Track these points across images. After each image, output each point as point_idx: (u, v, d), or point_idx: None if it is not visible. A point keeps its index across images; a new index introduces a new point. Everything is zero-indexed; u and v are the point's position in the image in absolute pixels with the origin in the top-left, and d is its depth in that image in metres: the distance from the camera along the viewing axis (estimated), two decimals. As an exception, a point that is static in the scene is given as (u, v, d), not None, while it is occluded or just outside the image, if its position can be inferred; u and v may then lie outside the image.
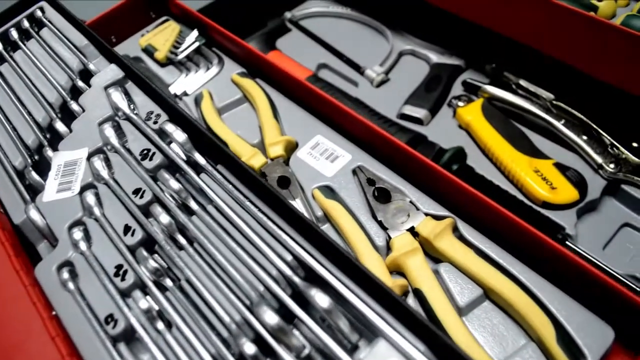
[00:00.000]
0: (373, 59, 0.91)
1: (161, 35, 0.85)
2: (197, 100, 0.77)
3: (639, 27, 0.70)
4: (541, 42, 0.74)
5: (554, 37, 0.72)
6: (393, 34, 0.94)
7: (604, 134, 0.75)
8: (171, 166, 0.56)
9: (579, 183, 0.71)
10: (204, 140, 0.55)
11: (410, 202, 0.61)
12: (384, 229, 0.60)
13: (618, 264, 0.65)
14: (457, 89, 0.85)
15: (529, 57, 0.76)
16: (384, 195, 0.63)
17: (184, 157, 0.56)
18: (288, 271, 0.46)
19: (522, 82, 0.82)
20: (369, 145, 0.68)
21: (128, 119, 0.61)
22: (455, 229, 0.59)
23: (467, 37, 0.86)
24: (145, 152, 0.57)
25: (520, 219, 0.72)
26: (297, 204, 0.63)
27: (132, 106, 0.63)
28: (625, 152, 0.73)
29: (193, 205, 0.52)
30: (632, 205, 0.71)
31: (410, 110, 0.82)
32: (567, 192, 0.70)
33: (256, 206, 0.50)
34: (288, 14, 1.01)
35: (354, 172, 0.66)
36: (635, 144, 0.74)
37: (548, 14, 0.70)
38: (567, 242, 0.67)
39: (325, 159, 0.67)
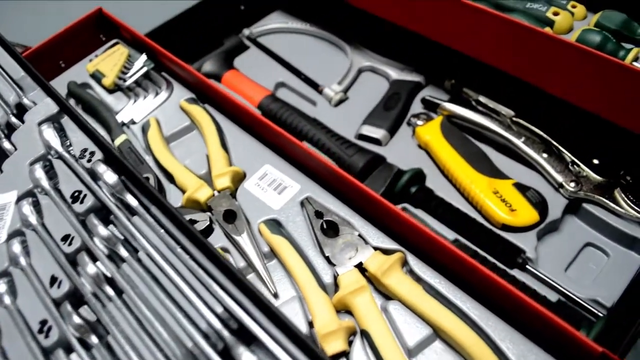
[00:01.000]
0: (333, 76, 0.88)
1: (109, 60, 0.82)
2: (144, 129, 0.74)
3: (595, 43, 0.68)
4: (498, 59, 0.72)
5: (510, 54, 0.70)
6: (352, 50, 0.92)
7: (564, 151, 0.73)
8: (104, 209, 0.54)
9: (539, 203, 0.69)
10: (135, 180, 0.52)
11: (359, 235, 0.59)
12: (332, 264, 0.58)
13: (580, 286, 0.63)
14: (417, 105, 0.83)
15: (489, 74, 0.73)
16: (332, 228, 0.60)
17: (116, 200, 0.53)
18: (218, 324, 0.43)
19: (482, 99, 0.80)
20: (317, 176, 0.66)
21: (61, 157, 0.58)
22: (406, 263, 0.57)
23: (427, 53, 0.84)
24: (76, 194, 0.54)
25: (480, 242, 0.70)
26: (244, 239, 0.60)
27: (67, 143, 0.60)
28: (586, 169, 0.71)
29: (123, 252, 0.49)
30: (594, 224, 0.69)
31: (369, 131, 0.80)
32: (526, 214, 0.68)
33: (188, 252, 0.47)
34: (246, 31, 0.98)
35: (302, 203, 0.63)
36: (596, 161, 0.72)
37: (503, 31, 0.68)
38: (527, 266, 0.65)
39: (273, 190, 0.64)
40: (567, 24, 0.72)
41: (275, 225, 0.61)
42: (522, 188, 0.70)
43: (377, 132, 0.79)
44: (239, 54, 0.95)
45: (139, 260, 0.49)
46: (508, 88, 0.77)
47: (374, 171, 0.75)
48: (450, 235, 0.67)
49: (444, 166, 0.74)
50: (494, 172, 0.72)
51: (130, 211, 0.52)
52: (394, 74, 0.87)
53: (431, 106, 0.81)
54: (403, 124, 0.81)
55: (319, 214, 0.61)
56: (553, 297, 0.61)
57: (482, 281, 0.51)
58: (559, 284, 0.62)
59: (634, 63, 0.67)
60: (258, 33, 0.98)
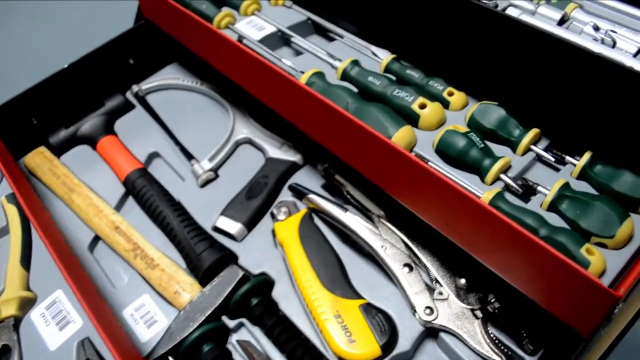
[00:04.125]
0: (213, 143, 0.80)
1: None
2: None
3: (456, 149, 0.57)
4: (349, 158, 0.62)
5: (359, 157, 0.60)
6: (238, 116, 0.83)
7: (430, 266, 0.63)
8: None
9: (385, 333, 0.59)
10: None
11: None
12: None
13: None
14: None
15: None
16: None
17: None
18: None
19: (352, 190, 0.70)
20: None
21: None
22: None
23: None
24: None
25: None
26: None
27: None
28: (449, 292, 0.61)
29: None
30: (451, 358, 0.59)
31: (224, 224, 0.71)
32: (367, 346, 0.58)
33: None
34: (135, 88, 0.90)
35: (77, 347, 0.55)
36: (463, 281, 0.61)
37: (351, 131, 0.58)
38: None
39: (55, 324, 0.57)
40: (434, 119, 0.61)
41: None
42: (370, 312, 0.60)
43: (233, 226, 0.70)
44: (122, 115, 0.88)
45: None
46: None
47: (219, 273, 0.67)
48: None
49: (294, 274, 0.65)
50: (343, 289, 0.63)
51: None
52: (271, 150, 0.77)
53: (300, 194, 0.72)
54: (267, 215, 0.72)
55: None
56: None
57: None
58: None
59: (502, 175, 0.56)
60: (148, 90, 0.90)
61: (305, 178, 0.75)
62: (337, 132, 0.61)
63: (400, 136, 0.59)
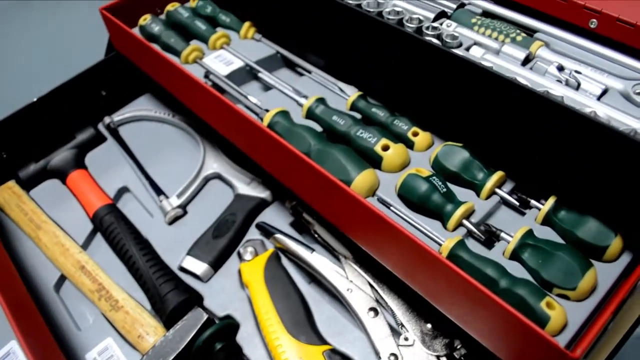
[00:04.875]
0: (183, 177, 0.79)
1: None
2: None
3: (417, 193, 0.56)
4: (324, 210, 0.61)
5: (332, 208, 0.59)
6: (208, 150, 0.82)
7: (395, 310, 0.61)
8: None
9: (349, 382, 0.58)
10: None
11: None
12: None
13: None
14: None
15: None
16: None
17: None
18: None
19: (319, 230, 0.69)
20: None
21: None
22: None
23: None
24: None
25: None
26: None
27: None
28: (415, 337, 0.59)
29: None
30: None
31: (190, 264, 0.70)
32: (328, 397, 0.57)
33: None
34: (107, 119, 0.89)
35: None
36: (429, 326, 0.60)
37: (310, 176, 0.57)
38: None
39: None
40: (397, 161, 0.60)
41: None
42: (334, 358, 0.59)
43: (199, 267, 0.69)
44: (93, 148, 0.87)
45: None
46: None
47: (183, 316, 0.65)
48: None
49: (258, 319, 0.64)
50: (307, 335, 0.61)
51: None
52: (240, 186, 0.76)
53: (267, 234, 0.71)
54: (234, 254, 0.71)
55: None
56: None
57: None
58: None
59: (464, 221, 0.55)
60: (120, 121, 0.89)
61: (274, 215, 0.73)
62: (297, 175, 0.60)
63: (361, 180, 0.58)
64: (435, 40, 0.62)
